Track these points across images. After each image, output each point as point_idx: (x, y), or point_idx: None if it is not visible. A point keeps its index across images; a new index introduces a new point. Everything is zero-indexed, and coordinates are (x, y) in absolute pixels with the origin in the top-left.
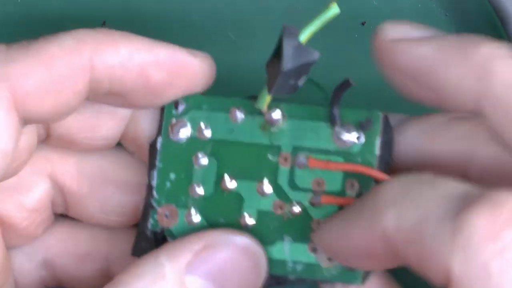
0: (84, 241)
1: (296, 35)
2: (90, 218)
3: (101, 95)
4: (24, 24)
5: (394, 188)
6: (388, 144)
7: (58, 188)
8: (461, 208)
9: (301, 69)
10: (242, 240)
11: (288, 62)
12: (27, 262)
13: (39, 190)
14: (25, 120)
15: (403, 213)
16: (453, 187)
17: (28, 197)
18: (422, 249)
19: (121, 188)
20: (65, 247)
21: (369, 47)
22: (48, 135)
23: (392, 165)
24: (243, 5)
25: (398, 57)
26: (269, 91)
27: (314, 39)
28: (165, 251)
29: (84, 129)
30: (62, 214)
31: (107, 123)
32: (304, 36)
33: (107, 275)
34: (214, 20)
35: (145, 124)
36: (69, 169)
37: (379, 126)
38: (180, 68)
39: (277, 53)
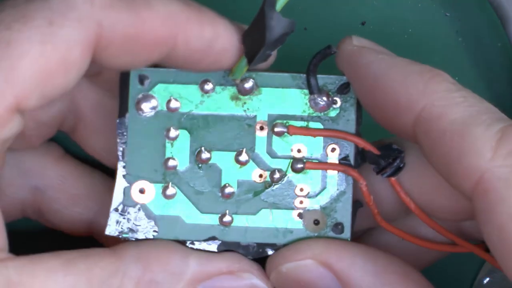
0: (83, 185)
1: (275, 6)
2: (90, 148)
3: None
4: None
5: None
6: (359, 105)
7: (75, 113)
8: (506, 125)
9: (281, 39)
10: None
11: (272, 33)
12: (20, 181)
13: (57, 109)
14: (94, 63)
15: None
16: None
17: (44, 111)
18: (462, 143)
19: None
20: (63, 184)
21: None
22: None
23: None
24: (243, 3)
25: (360, 61)
26: (249, 62)
27: (315, 38)
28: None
29: None
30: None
31: None
32: (279, 5)
33: (89, 225)
34: None
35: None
36: (91, 100)
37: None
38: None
39: (257, 25)
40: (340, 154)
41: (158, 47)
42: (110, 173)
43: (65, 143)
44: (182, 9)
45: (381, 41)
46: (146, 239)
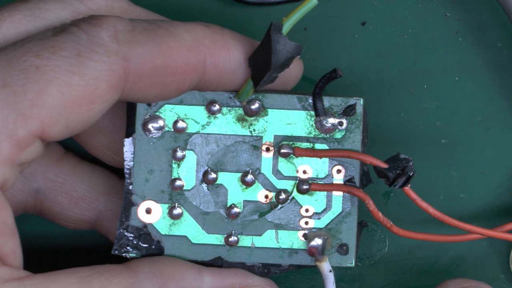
0: (84, 186)
1: (281, 30)
2: (91, 147)
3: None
4: None
5: None
6: (365, 126)
7: None
8: None
9: (287, 63)
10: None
11: (278, 56)
12: (21, 185)
13: None
14: (123, 98)
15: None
16: None
17: None
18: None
19: None
20: (63, 186)
21: (369, 47)
22: None
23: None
24: (245, 8)
25: None
26: (256, 84)
27: (315, 38)
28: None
29: None
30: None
31: None
32: (286, 29)
33: (92, 225)
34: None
35: None
36: None
37: (361, 112)
38: None
39: (263, 48)
40: (345, 176)
41: (189, 75)
42: (111, 169)
43: (64, 140)
44: (205, 33)
45: (381, 41)
46: (160, 255)
